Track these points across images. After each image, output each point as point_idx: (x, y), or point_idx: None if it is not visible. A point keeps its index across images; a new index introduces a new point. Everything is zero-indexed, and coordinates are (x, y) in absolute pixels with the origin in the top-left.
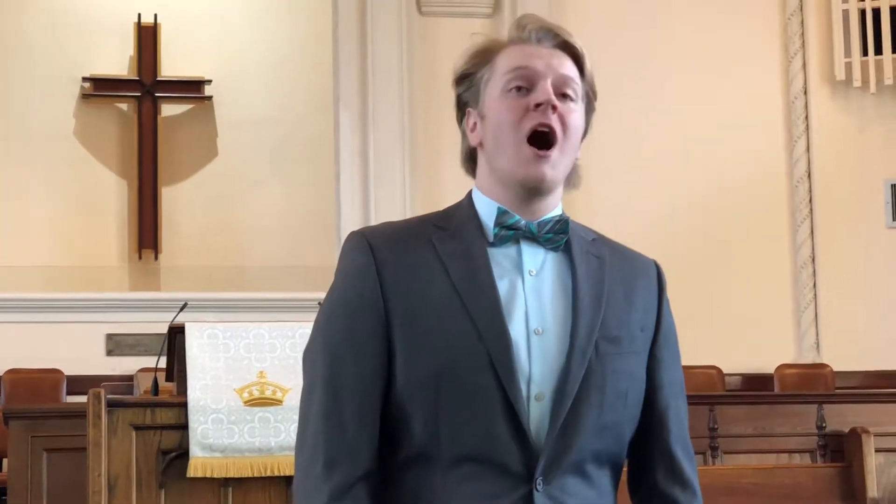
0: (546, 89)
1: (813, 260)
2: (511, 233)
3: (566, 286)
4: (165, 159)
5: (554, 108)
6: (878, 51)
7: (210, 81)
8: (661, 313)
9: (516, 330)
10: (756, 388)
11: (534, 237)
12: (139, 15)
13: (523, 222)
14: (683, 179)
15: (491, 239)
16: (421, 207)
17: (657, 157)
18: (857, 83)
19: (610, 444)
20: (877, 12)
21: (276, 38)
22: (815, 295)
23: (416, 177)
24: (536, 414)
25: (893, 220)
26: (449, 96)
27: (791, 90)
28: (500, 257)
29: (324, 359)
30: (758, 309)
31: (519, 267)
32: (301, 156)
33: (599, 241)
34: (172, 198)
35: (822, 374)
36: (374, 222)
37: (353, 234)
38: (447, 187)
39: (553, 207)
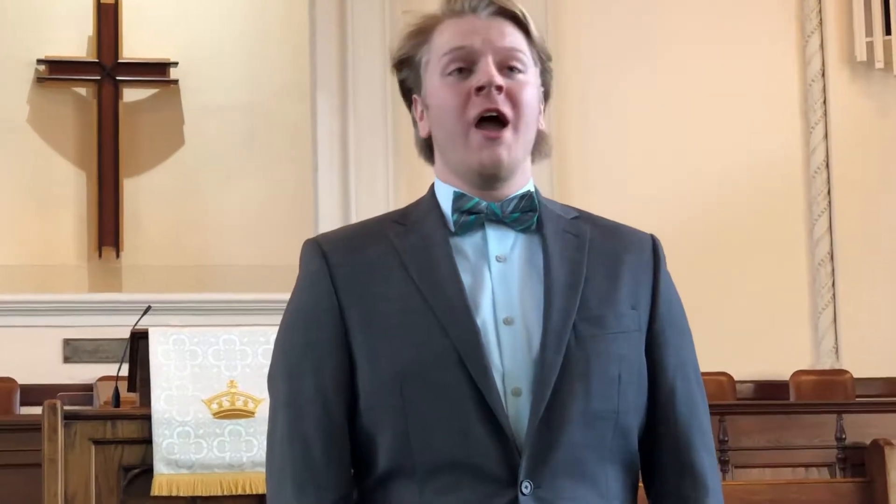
0: (487, 69)
1: (831, 257)
2: (472, 218)
3: (538, 269)
4: (127, 149)
5: (500, 88)
6: None
7: (176, 64)
8: (657, 288)
9: (484, 321)
10: (770, 396)
11: (499, 219)
12: None
13: (484, 204)
14: (690, 170)
15: (453, 228)
16: (405, 199)
17: (662, 147)
18: (879, 65)
19: (608, 437)
20: None
21: (247, 16)
22: (834, 295)
23: (400, 167)
24: (514, 410)
25: None
26: None
27: (808, 73)
28: (463, 246)
29: (283, 375)
30: (772, 310)
31: (484, 253)
32: (275, 145)
33: (582, 218)
34: (135, 191)
35: (841, 381)
36: (355, 217)
37: (306, 242)
38: (431, 178)
39: (521, 186)
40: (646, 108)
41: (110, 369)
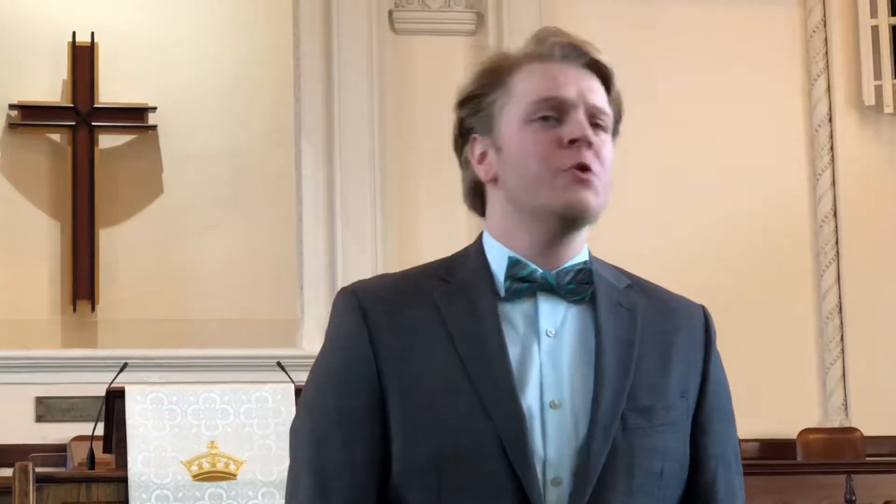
0: (581, 123)
1: (840, 310)
2: (525, 286)
3: (589, 349)
4: (103, 197)
5: (590, 144)
6: None
7: (154, 109)
8: (707, 372)
9: (530, 404)
10: (776, 455)
11: (553, 289)
12: (73, 34)
13: (539, 272)
14: (692, 219)
15: (502, 293)
16: (394, 250)
17: (663, 195)
18: (888, 109)
19: None
20: None
21: (229, 59)
22: (843, 350)
23: (389, 215)
24: (554, 501)
25: None
26: (428, 125)
27: (814, 117)
28: (513, 315)
29: (310, 441)
30: (778, 365)
31: (535, 326)
32: (258, 194)
33: (635, 286)
34: (111, 241)
35: (851, 439)
36: (341, 268)
37: (342, 293)
38: (423, 227)
39: (577, 252)
40: (647, 154)
41: (85, 429)
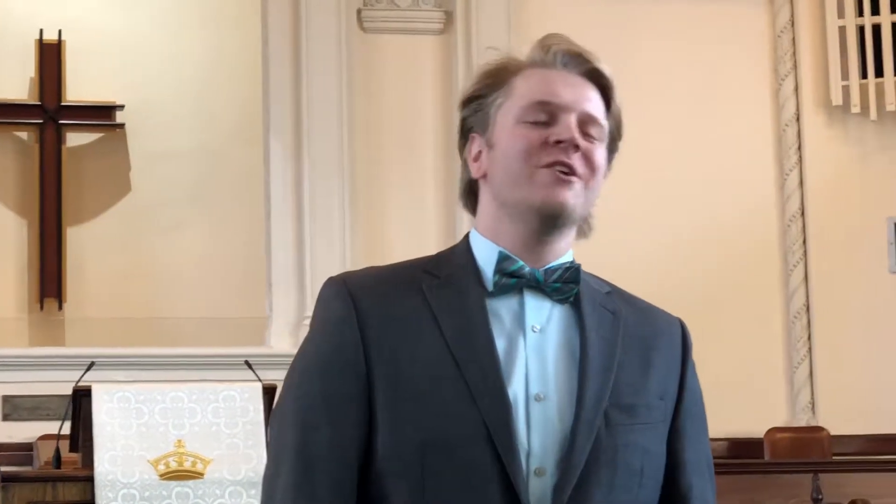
0: (570, 126)
1: (807, 309)
2: (513, 281)
3: (573, 345)
4: (71, 196)
5: (577, 147)
6: (879, 73)
7: (122, 107)
8: (684, 379)
9: (515, 395)
10: (744, 455)
11: (539, 286)
12: (41, 31)
13: (527, 269)
14: (659, 220)
15: (490, 288)
16: (362, 249)
17: (630, 195)
18: (855, 109)
19: None
20: (877, 29)
21: (197, 58)
22: (811, 349)
23: (357, 214)
24: (537, 491)
25: None
26: (396, 124)
27: (782, 117)
28: (500, 309)
29: (295, 423)
30: (745, 365)
31: (521, 321)
32: (226, 192)
33: (615, 294)
34: (79, 239)
35: (818, 438)
36: (309, 266)
37: (331, 280)
38: (391, 226)
39: (563, 253)
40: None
41: (51, 427)
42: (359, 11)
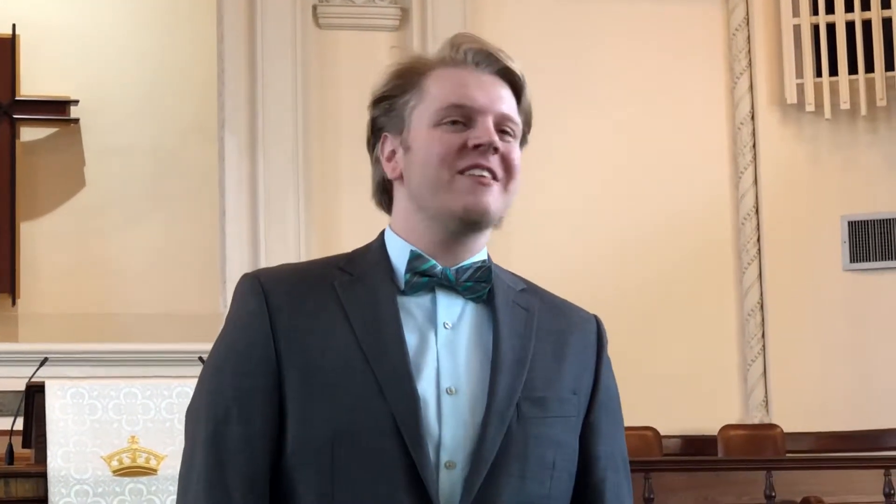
0: (488, 129)
1: (761, 307)
2: (425, 280)
3: (485, 342)
4: (24, 191)
5: (496, 150)
6: (834, 71)
7: (76, 102)
8: (598, 375)
9: (425, 389)
10: (698, 452)
11: (451, 286)
12: None
13: (439, 268)
14: (614, 217)
15: (402, 286)
16: (317, 246)
17: (583, 193)
18: (810, 107)
19: None
20: (831, 28)
21: (152, 53)
22: (764, 347)
23: (312, 211)
24: (447, 484)
25: (851, 261)
26: (351, 120)
27: (736, 115)
28: (411, 307)
29: (207, 417)
30: (699, 362)
31: (432, 319)
32: (181, 188)
33: (530, 291)
34: (32, 235)
35: (771, 436)
36: (264, 263)
37: (244, 277)
38: (346, 223)
39: (477, 251)
40: (568, 150)
41: (4, 423)
42: (314, 7)
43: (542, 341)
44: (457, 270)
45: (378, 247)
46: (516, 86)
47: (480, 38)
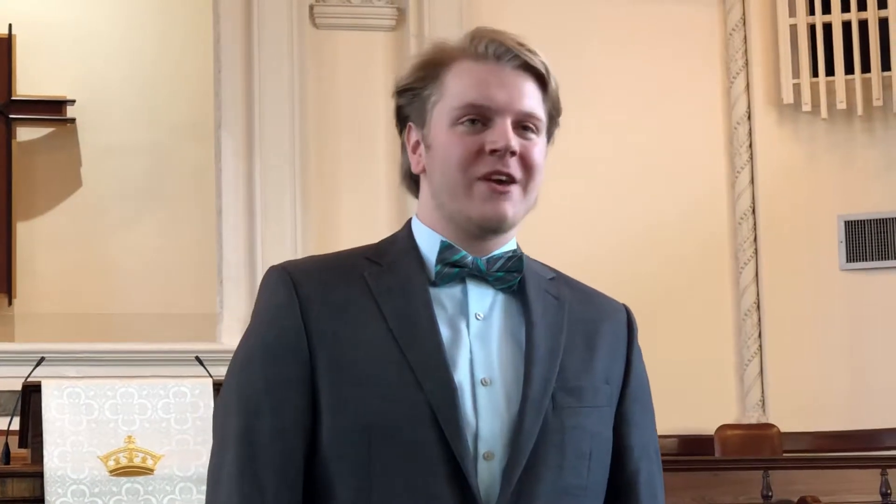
0: (505, 132)
1: (758, 307)
2: (456, 270)
3: (517, 332)
4: (21, 190)
5: (514, 153)
6: (830, 71)
7: (73, 102)
8: (630, 364)
9: (461, 380)
10: (695, 451)
11: (482, 276)
12: None
13: (470, 258)
14: (611, 217)
15: (432, 277)
16: (314, 246)
17: (577, 192)
18: (806, 107)
19: None
20: (828, 28)
21: (149, 53)
22: (761, 346)
23: (309, 211)
24: (486, 475)
25: (848, 260)
26: (348, 120)
27: (733, 115)
28: (442, 298)
29: (238, 411)
30: (696, 363)
31: (464, 309)
32: (178, 188)
33: (559, 279)
34: (29, 235)
35: (768, 435)
36: (261, 263)
37: (272, 269)
38: (343, 223)
39: (506, 242)
40: (566, 150)
41: (0, 423)
42: (311, 7)
43: (574, 331)
44: (487, 260)
45: (406, 236)
46: (541, 77)
47: (502, 31)
